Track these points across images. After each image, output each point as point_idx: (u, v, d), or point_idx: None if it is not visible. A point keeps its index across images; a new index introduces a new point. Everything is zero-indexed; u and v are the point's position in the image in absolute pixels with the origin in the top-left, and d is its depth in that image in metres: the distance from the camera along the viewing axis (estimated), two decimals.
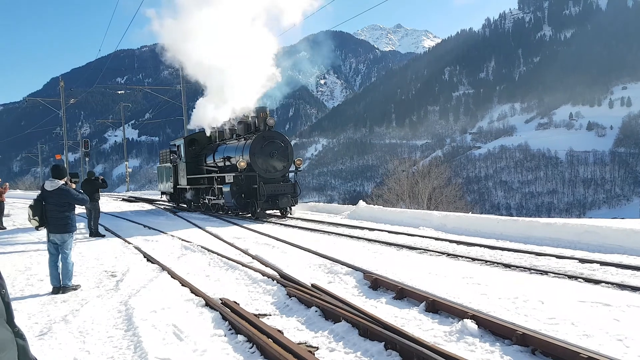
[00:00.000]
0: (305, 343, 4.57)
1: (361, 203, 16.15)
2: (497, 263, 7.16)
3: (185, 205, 21.30)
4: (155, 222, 15.89)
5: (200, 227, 13.88)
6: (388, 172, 45.51)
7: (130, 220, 16.96)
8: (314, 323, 5.10)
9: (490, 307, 4.93)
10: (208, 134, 19.73)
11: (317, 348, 4.44)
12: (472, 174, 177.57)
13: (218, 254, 9.03)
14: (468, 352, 3.99)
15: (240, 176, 15.49)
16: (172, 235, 12.30)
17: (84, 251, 10.50)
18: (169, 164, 21.66)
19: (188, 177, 19.42)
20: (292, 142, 16.84)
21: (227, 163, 17.15)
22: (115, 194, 49.53)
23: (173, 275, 7.43)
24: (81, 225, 15.09)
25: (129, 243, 11.28)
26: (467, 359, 3.72)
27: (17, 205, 28.02)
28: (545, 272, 6.51)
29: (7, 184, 18.04)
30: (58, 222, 7.13)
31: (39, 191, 7.50)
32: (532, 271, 6.62)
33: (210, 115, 18.57)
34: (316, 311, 5.34)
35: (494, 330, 4.28)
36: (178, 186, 20.98)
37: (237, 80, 16.83)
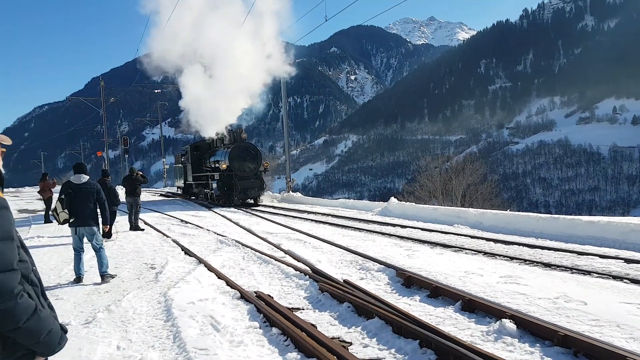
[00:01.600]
0: (339, 338, 4.58)
1: (392, 200, 16.03)
2: (537, 262, 6.96)
3: (193, 197, 26.01)
4: (188, 214, 16.27)
5: (229, 219, 14.11)
6: (420, 169, 44.96)
7: (166, 214, 17.39)
8: (347, 319, 5.11)
9: (529, 308, 4.82)
10: (212, 135, 24.09)
11: (351, 343, 4.44)
12: (509, 170, 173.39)
13: (252, 249, 9.15)
14: (506, 352, 3.91)
15: (223, 175, 20.28)
16: (207, 229, 12.55)
17: (124, 244, 10.84)
18: (180, 165, 27.29)
19: (193, 175, 24.63)
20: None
21: (216, 165, 21.76)
22: (154, 189, 50.86)
23: (209, 268, 7.57)
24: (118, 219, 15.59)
25: (167, 236, 11.56)
26: (504, 357, 3.65)
27: None
28: (588, 272, 6.30)
29: (55, 179, 18.76)
30: (87, 215, 7.30)
31: (61, 186, 7.79)
32: (574, 271, 6.41)
33: (209, 127, 23.70)
34: (349, 307, 5.34)
35: (534, 331, 4.18)
36: (187, 182, 26.24)
37: (227, 103, 22.68)
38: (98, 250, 7.43)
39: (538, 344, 3.99)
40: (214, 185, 21.10)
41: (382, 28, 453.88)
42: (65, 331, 1.83)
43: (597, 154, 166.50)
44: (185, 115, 24.98)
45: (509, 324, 4.29)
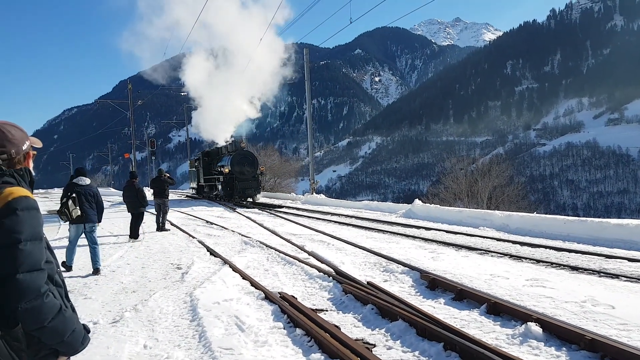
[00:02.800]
0: (362, 340, 4.59)
1: (417, 202, 15.93)
2: (564, 265, 6.84)
3: (202, 196, 29.43)
4: (213, 216, 16.49)
5: (253, 220, 14.26)
6: (445, 171, 44.47)
7: (192, 215, 17.67)
8: (370, 321, 5.12)
9: (556, 311, 4.75)
10: (221, 141, 28.79)
11: (374, 345, 4.45)
12: (536, 172, 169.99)
13: (276, 250, 9.23)
14: (532, 356, 3.87)
15: (226, 177, 23.77)
16: (232, 231, 12.71)
17: (151, 245, 11.06)
18: (194, 169, 30.72)
19: (204, 177, 28.03)
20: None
21: (221, 169, 24.86)
22: (180, 191, 51.68)
23: (234, 269, 7.67)
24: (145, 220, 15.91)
25: (193, 237, 11.74)
26: None
27: None
28: (617, 276, 6.16)
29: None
30: (91, 212, 8.18)
31: (64, 187, 8.61)
32: (602, 274, 6.28)
33: (220, 136, 28.97)
34: (372, 309, 5.35)
35: (560, 334, 4.12)
36: (199, 184, 29.43)
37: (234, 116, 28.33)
38: (96, 244, 8.26)
39: (564, 348, 3.93)
40: (219, 187, 24.88)
41: (407, 29, 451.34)
42: (88, 331, 1.88)
43: (626, 156, 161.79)
44: (197, 125, 30.62)
45: (534, 328, 4.23)
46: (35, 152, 2.02)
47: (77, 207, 7.88)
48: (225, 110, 28.07)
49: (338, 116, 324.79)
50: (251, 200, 23.91)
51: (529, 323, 4.31)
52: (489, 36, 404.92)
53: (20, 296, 1.58)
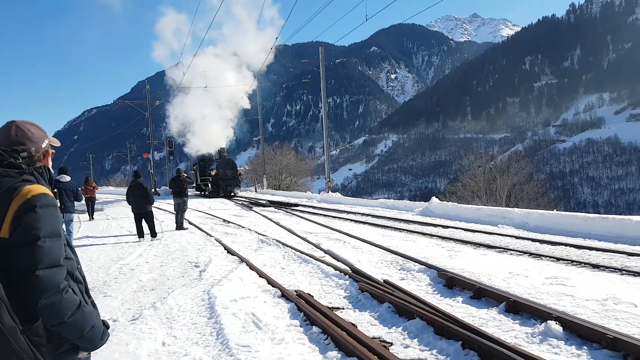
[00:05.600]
0: (379, 338, 4.58)
1: (434, 200, 15.81)
2: (585, 263, 6.72)
3: (200, 192, 35.36)
4: (230, 214, 16.61)
5: (270, 219, 14.34)
6: (463, 168, 44.08)
7: (209, 214, 17.82)
8: (387, 319, 5.09)
9: (576, 309, 4.66)
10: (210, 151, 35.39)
11: (391, 344, 4.43)
12: (556, 169, 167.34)
13: (292, 248, 9.26)
14: (552, 354, 3.81)
15: (214, 178, 31.12)
16: (249, 229, 12.78)
17: (169, 243, 11.19)
18: (193, 171, 36.34)
19: (200, 178, 34.01)
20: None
21: (211, 172, 31.91)
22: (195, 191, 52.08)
23: (251, 267, 7.71)
24: (164, 219, 16.08)
25: (210, 236, 11.84)
26: None
27: (109, 201, 30.40)
28: (638, 274, 6.03)
29: (95, 183, 20.55)
30: (70, 205, 10.45)
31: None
32: (624, 272, 6.15)
33: (211, 147, 35.24)
34: (389, 307, 5.33)
35: (581, 333, 4.05)
36: (197, 183, 35.07)
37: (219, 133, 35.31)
38: (71, 233, 10.85)
39: (585, 347, 3.86)
40: (209, 185, 32.17)
41: (423, 26, 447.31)
42: (108, 327, 1.91)
43: None
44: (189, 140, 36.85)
45: (554, 326, 4.17)
46: (54, 152, 2.05)
47: (57, 200, 8.33)
48: (212, 130, 35.46)
49: (354, 114, 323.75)
50: (232, 194, 30.51)
51: (549, 322, 4.25)
52: (507, 32, 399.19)
53: (40, 292, 1.62)
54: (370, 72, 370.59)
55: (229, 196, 29.85)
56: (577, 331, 4.09)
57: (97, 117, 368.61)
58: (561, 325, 4.17)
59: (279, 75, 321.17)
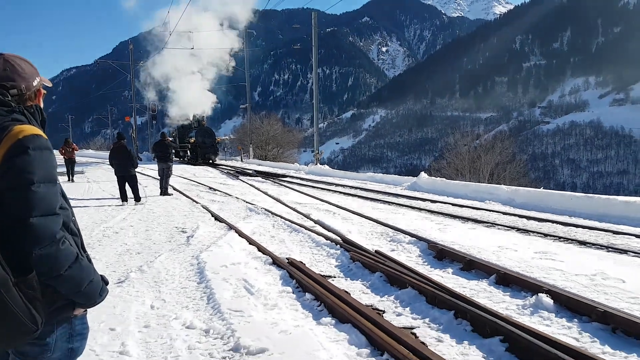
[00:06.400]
0: (372, 306, 4.59)
1: (422, 175, 15.88)
2: (572, 240, 6.82)
3: (179, 158, 34.64)
4: (216, 182, 16.49)
5: (257, 188, 14.26)
6: (448, 146, 44.29)
7: (194, 181, 17.66)
8: (379, 288, 5.11)
9: (566, 284, 4.73)
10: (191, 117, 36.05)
11: (384, 311, 4.45)
12: (539, 150, 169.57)
13: (282, 217, 9.22)
14: (543, 326, 3.85)
15: (193, 145, 32.13)
16: (236, 197, 12.69)
17: (154, 208, 11.06)
18: (172, 138, 34.36)
19: (180, 145, 34.00)
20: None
21: (190, 140, 33.02)
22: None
23: (240, 234, 7.66)
24: (147, 184, 15.89)
25: (197, 202, 11.73)
26: (541, 330, 3.60)
27: (90, 165, 29.92)
28: (625, 251, 6.15)
29: (75, 145, 20.29)
30: None
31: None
32: (611, 249, 6.26)
33: (190, 111, 35.91)
34: (381, 276, 5.34)
35: (572, 306, 4.10)
36: (176, 150, 34.11)
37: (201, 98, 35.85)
38: None
39: (576, 319, 3.92)
40: (188, 152, 33.27)
41: None
42: (107, 283, 1.79)
43: (628, 137, 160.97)
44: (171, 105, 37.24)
45: (545, 299, 4.22)
46: (45, 92, 1.90)
47: None
48: (193, 95, 35.48)
49: (343, 87, 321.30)
50: (211, 161, 31.32)
51: (539, 294, 4.29)
52: (500, 9, 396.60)
53: (34, 241, 1.47)
54: (362, 44, 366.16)
55: (212, 164, 30.36)
56: (568, 304, 4.14)
57: (77, 78, 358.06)
58: (552, 298, 4.23)
59: (267, 42, 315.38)
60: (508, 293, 4.65)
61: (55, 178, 1.60)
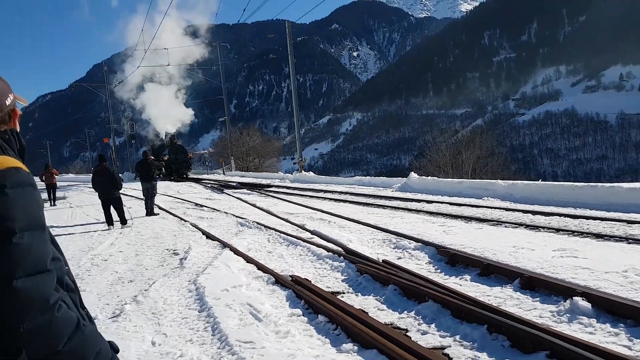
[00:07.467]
0: (392, 324, 4.21)
1: (412, 175, 15.63)
2: (587, 233, 6.53)
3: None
4: (202, 198, 15.98)
5: (244, 201, 13.82)
6: (428, 144, 44.44)
7: (179, 198, 17.10)
8: (395, 303, 4.73)
9: (598, 283, 4.40)
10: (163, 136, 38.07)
11: (407, 330, 4.07)
12: (516, 142, 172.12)
13: (275, 230, 8.80)
14: (586, 334, 3.52)
15: (167, 162, 33.75)
16: (225, 212, 12.22)
17: (141, 230, 10.53)
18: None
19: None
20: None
21: (164, 157, 34.34)
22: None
23: (236, 252, 7.22)
24: (131, 205, 15.29)
25: (185, 221, 11.22)
26: (589, 341, 3.26)
27: (71, 189, 29.03)
28: None
29: (55, 170, 20.27)
30: None
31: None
32: (631, 241, 5.97)
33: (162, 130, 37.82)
34: (395, 289, 4.96)
35: (613, 309, 3.77)
36: (160, 167, 36.27)
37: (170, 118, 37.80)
38: None
39: (621, 324, 3.58)
40: (163, 169, 34.24)
41: (383, 2, 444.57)
42: (117, 351, 1.40)
43: (604, 122, 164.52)
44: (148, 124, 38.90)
45: (582, 302, 3.88)
46: (21, 113, 1.48)
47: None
48: (166, 113, 37.47)
49: (317, 93, 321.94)
50: (185, 175, 33.29)
51: (574, 298, 3.95)
52: (466, 7, 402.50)
53: (20, 312, 1.10)
54: (333, 50, 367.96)
55: (190, 178, 32.49)
56: (608, 307, 3.81)
57: (52, 103, 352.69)
58: (588, 301, 3.89)
59: (239, 55, 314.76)
60: (537, 299, 4.30)
61: (42, 222, 1.21)
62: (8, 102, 1.35)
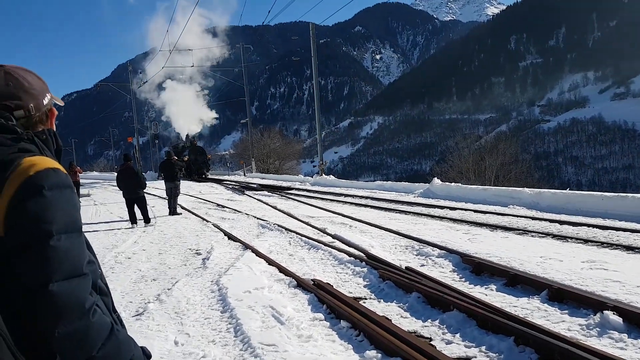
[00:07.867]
0: (415, 333, 4.15)
1: (435, 180, 15.46)
2: (617, 245, 6.35)
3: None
4: (223, 199, 16.08)
5: (265, 203, 13.86)
6: (450, 149, 44.02)
7: (201, 198, 17.27)
8: (419, 311, 4.67)
9: (630, 297, 4.27)
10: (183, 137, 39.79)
11: (431, 339, 4.01)
12: (541, 149, 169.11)
13: (297, 233, 8.81)
14: (617, 349, 3.42)
15: (187, 163, 32.36)
16: (246, 214, 12.28)
17: (164, 229, 10.65)
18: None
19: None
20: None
21: (184, 158, 33.71)
22: None
23: (257, 254, 7.24)
24: (154, 204, 15.49)
25: (207, 221, 11.32)
26: (620, 357, 3.16)
27: (95, 186, 29.62)
28: None
29: (79, 167, 20.59)
30: None
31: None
32: None
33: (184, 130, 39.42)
34: (418, 297, 4.90)
35: None
36: (183, 167, 39.00)
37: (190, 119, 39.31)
38: None
39: None
40: (184, 169, 35.78)
41: (408, 4, 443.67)
42: (149, 357, 1.38)
43: (632, 131, 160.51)
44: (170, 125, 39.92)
45: (612, 317, 3.77)
46: (57, 113, 1.48)
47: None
48: (187, 115, 38.52)
49: (339, 96, 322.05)
50: (204, 175, 34.10)
51: (605, 312, 3.85)
52: (492, 10, 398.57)
53: (56, 316, 1.07)
54: (355, 53, 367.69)
55: (210, 179, 33.16)
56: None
57: (78, 102, 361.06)
58: (620, 316, 3.78)
59: (262, 57, 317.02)
60: (566, 311, 4.20)
61: (79, 225, 1.20)
62: (45, 101, 1.33)
